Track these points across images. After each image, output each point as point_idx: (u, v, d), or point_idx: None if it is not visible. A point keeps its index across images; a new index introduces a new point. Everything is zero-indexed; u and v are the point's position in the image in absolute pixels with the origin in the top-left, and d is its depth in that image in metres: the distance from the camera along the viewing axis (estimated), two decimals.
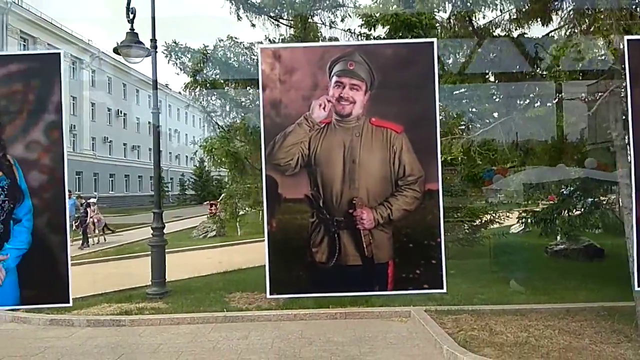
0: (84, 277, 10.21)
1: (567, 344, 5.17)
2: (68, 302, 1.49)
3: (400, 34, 5.63)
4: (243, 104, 8.81)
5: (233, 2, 10.29)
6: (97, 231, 14.94)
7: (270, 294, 2.30)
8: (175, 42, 8.34)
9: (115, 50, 8.26)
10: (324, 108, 2.27)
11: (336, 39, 10.36)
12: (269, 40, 10.31)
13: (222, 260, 11.29)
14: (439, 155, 2.27)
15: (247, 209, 19.78)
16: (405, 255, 2.27)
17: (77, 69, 34.97)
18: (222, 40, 9.71)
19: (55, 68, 1.42)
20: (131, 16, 8.30)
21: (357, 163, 2.27)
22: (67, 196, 1.40)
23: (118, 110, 37.77)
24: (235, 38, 10.42)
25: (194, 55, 9.23)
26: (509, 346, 5.16)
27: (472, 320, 6.10)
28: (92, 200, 15.50)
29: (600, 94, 10.23)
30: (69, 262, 1.43)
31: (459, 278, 8.60)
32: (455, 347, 5.06)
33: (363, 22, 6.62)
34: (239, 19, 10.07)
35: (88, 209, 14.28)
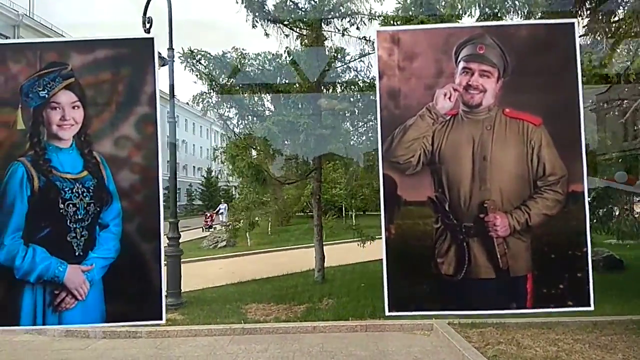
0: None
1: (599, 359, 5.00)
2: (161, 319, 1.31)
3: None
4: (259, 112, 8.75)
5: (248, 9, 10.30)
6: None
7: (390, 310, 2.03)
8: (191, 51, 8.32)
9: None
10: (449, 98, 2.00)
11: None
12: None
13: (235, 271, 11.18)
14: (584, 151, 1.99)
15: (257, 218, 19.74)
16: (546, 268, 1.99)
17: None
18: (229, 51, 9.71)
19: (149, 55, 1.27)
20: (147, 26, 8.29)
21: (488, 160, 2.00)
22: (161, 198, 1.24)
23: None
24: (243, 49, 10.42)
25: (211, 61, 9.23)
26: None
27: (497, 333, 5.92)
28: None
29: (618, 101, 10.08)
30: (162, 274, 1.26)
31: None
32: None
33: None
34: (254, 27, 10.07)
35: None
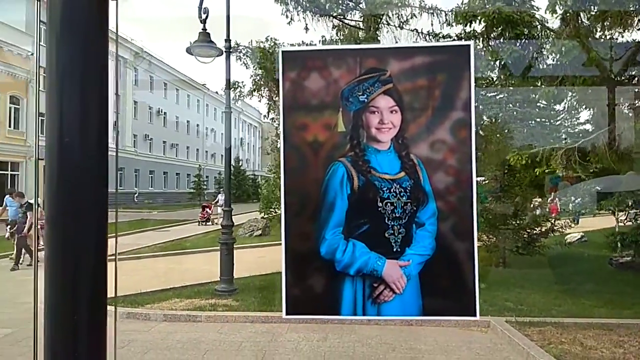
0: (146, 271, 10.42)
1: None
2: (475, 315, 1.36)
3: (500, 30, 5.47)
4: None
5: (292, 3, 10.32)
6: (42, 242, 12.18)
7: None
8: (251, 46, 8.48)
9: (188, 50, 8.38)
10: None
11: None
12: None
13: (275, 260, 11.33)
14: None
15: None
16: None
17: (120, 67, 35.91)
18: (262, 41, 9.76)
19: (465, 61, 1.27)
20: (204, 16, 8.40)
21: None
22: (474, 200, 1.27)
23: (159, 109, 38.54)
24: (275, 39, 10.47)
25: (258, 53, 9.35)
26: None
27: (558, 333, 5.89)
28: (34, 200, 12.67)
29: None
30: (476, 272, 1.31)
31: (527, 289, 8.39)
32: None
33: (459, 19, 6.45)
34: (289, 22, 10.07)
35: (29, 213, 10.54)
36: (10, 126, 24.74)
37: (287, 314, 1.42)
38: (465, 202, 1.29)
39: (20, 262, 10.50)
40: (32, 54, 26.10)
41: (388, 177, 1.29)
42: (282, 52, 1.28)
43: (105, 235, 0.90)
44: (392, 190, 1.28)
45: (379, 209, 1.28)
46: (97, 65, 0.88)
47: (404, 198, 1.28)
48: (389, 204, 1.28)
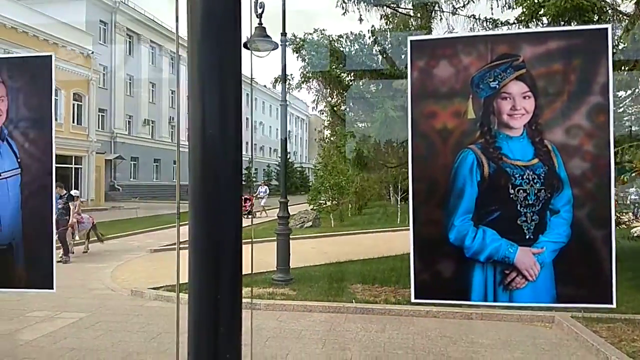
0: None
1: None
2: (611, 303, 1.37)
3: (567, 19, 5.21)
4: (369, 98, 8.77)
5: None
6: (77, 236, 11.03)
7: None
8: (301, 38, 8.55)
9: (245, 45, 8.54)
10: None
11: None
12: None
13: (327, 251, 11.46)
14: None
15: (333, 201, 19.85)
16: None
17: (174, 64, 37.03)
18: (310, 33, 9.78)
19: (603, 45, 1.25)
20: (260, 11, 8.54)
21: None
22: (612, 187, 1.26)
23: None
24: (323, 30, 10.41)
25: (313, 46, 9.41)
26: None
27: (629, 330, 5.62)
28: (74, 192, 11.55)
29: None
30: (614, 260, 1.31)
31: None
32: (625, 359, 4.69)
33: (524, 10, 6.20)
34: (344, 13, 10.01)
35: (70, 204, 10.22)
36: (73, 122, 26.16)
37: (415, 298, 1.44)
38: (603, 189, 1.27)
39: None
40: (92, 53, 27.46)
41: (520, 163, 1.27)
42: (411, 41, 1.29)
43: (240, 221, 0.96)
44: (524, 177, 1.27)
45: (511, 196, 1.28)
46: (234, 63, 0.93)
47: (537, 185, 1.27)
48: (521, 191, 1.27)
